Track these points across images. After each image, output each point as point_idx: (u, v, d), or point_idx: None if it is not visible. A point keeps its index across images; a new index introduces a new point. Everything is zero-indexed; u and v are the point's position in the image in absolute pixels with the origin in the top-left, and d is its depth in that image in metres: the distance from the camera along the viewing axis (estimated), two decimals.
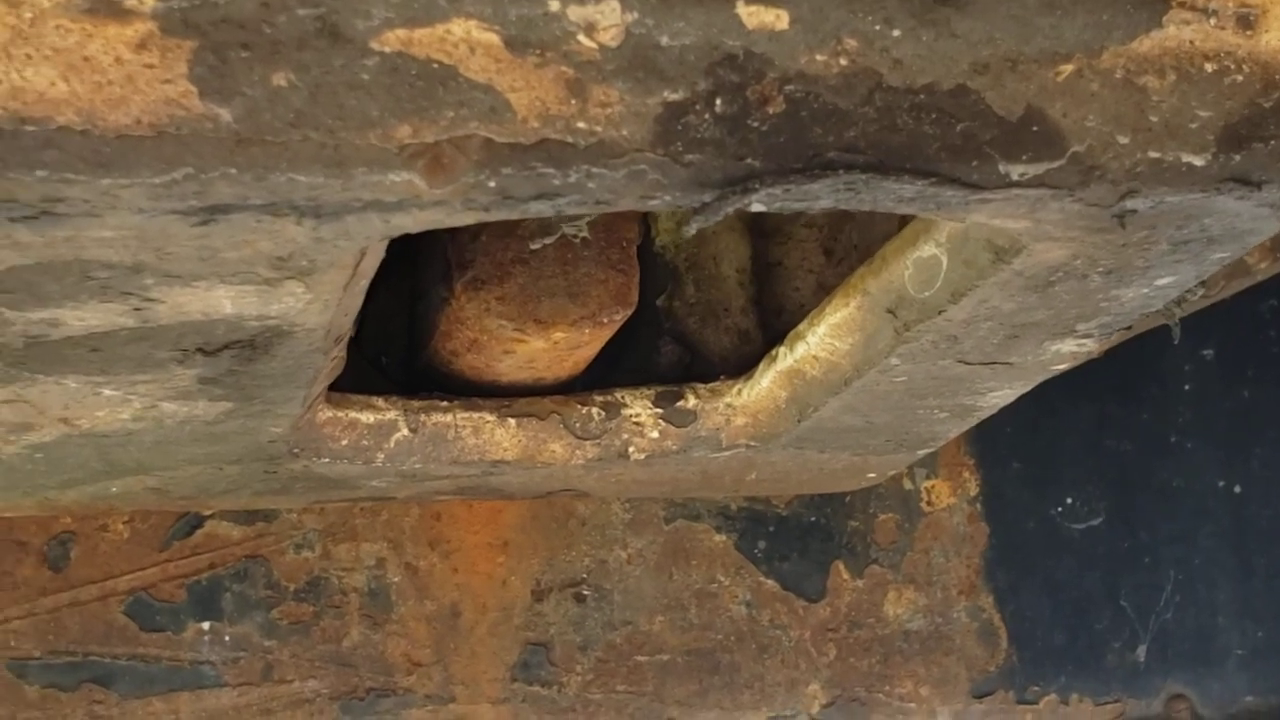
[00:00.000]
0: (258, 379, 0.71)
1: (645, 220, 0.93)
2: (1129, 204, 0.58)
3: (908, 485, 1.32)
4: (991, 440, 1.32)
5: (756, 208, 0.55)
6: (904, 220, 0.75)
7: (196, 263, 0.56)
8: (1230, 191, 0.58)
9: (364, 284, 0.64)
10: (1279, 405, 1.37)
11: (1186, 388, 1.37)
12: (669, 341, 0.95)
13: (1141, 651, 1.36)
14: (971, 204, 0.57)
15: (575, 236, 0.83)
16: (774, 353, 0.88)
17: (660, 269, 0.95)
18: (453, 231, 0.82)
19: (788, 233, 0.95)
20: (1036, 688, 1.34)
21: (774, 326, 0.93)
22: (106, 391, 0.71)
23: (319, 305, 0.62)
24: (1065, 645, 1.34)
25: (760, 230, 0.96)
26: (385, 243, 0.60)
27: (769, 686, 1.28)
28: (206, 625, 1.18)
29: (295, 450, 0.84)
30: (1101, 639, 1.35)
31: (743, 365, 0.93)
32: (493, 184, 0.53)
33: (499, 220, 0.87)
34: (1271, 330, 1.38)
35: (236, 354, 0.67)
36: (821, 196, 0.56)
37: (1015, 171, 0.56)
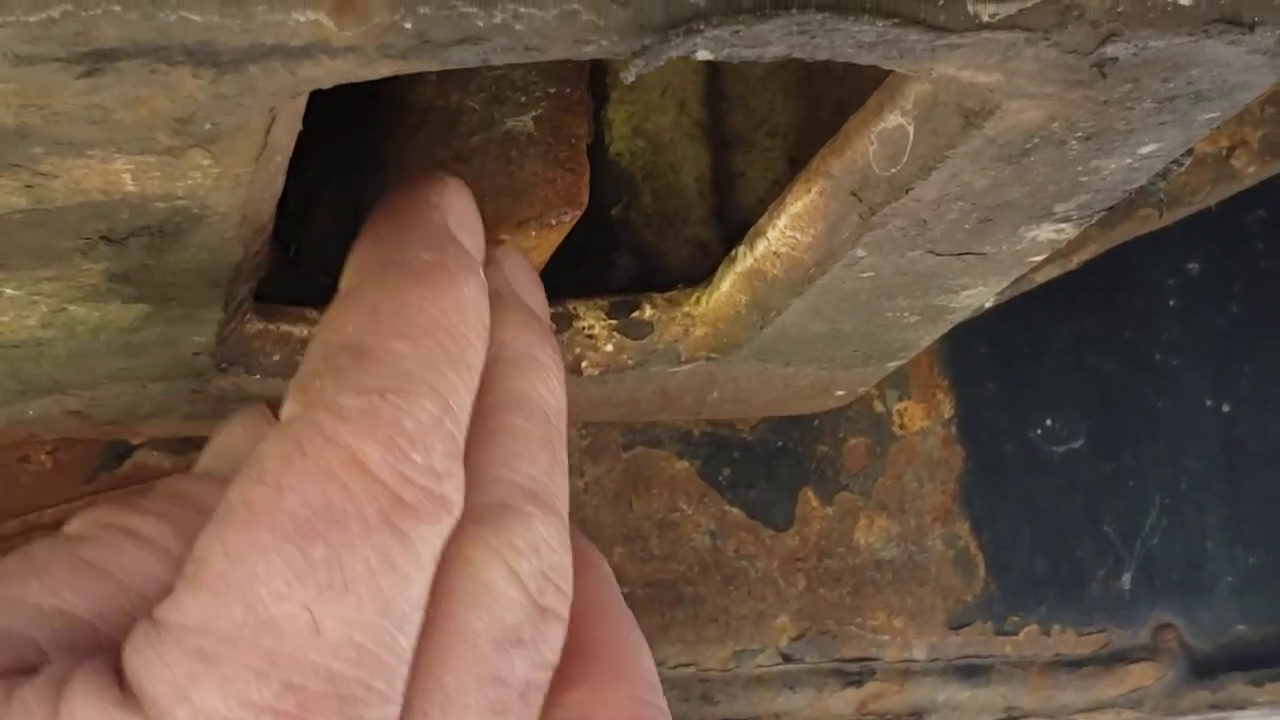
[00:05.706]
0: (172, 275, 0.65)
1: (598, 121, 0.88)
2: (1109, 50, 0.53)
3: (879, 407, 1.26)
4: (966, 360, 1.27)
5: (702, 53, 0.50)
6: None
7: (88, 126, 0.51)
8: (1220, 34, 0.53)
9: (280, 160, 0.59)
10: (1269, 320, 1.32)
11: (1171, 303, 1.32)
12: (625, 254, 0.90)
13: (1127, 579, 1.31)
14: (938, 50, 0.52)
15: (520, 132, 0.78)
16: (733, 253, 0.83)
17: (615, 177, 0.90)
18: (390, 130, 0.77)
19: (751, 141, 0.90)
20: (1016, 618, 1.29)
21: (735, 240, 0.88)
22: (8, 291, 0.65)
23: (229, 181, 0.57)
24: (1046, 574, 1.29)
25: (722, 140, 0.91)
26: (300, 108, 0.55)
27: (735, 620, 1.22)
28: None
29: (223, 365, 0.79)
30: (1084, 567, 1.30)
31: (702, 278, 0.88)
32: (409, 25, 0.47)
33: (438, 117, 0.82)
34: (1260, 242, 1.32)
35: (146, 243, 0.61)
36: (773, 41, 0.51)
37: (985, 11, 0.51)
